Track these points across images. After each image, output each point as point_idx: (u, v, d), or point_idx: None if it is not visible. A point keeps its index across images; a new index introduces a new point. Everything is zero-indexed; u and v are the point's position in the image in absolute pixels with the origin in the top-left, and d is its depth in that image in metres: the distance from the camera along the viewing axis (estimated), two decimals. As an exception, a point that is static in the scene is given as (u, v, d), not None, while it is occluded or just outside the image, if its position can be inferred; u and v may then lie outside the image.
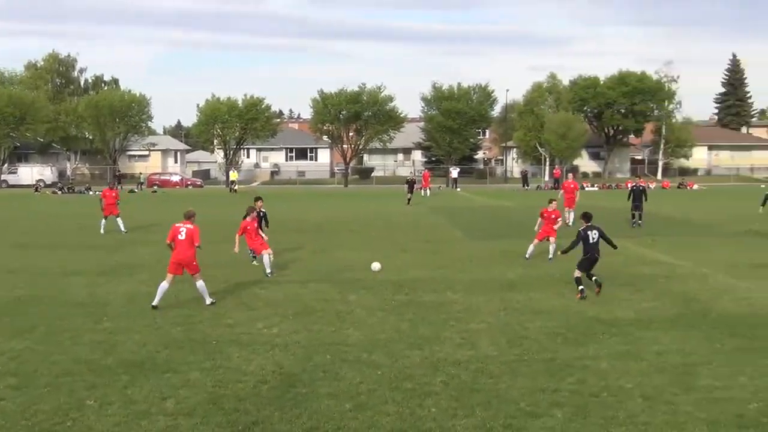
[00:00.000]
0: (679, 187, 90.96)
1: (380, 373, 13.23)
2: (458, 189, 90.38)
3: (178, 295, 20.07)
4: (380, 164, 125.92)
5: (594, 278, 20.26)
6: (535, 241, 27.08)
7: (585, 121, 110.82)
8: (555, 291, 20.85)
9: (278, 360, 14.11)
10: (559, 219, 27.83)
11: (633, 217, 37.89)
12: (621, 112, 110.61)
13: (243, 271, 24.38)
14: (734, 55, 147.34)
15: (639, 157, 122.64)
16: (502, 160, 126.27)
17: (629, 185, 38.53)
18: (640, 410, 11.31)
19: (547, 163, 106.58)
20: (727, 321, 17.13)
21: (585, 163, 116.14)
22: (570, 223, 37.72)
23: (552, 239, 26.74)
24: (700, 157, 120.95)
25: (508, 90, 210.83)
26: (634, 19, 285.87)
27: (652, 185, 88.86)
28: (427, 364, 13.71)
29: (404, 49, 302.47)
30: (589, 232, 20.22)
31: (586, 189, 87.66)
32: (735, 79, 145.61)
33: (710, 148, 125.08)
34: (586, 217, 20.81)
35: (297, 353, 14.60)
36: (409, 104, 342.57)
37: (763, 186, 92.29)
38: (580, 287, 19.81)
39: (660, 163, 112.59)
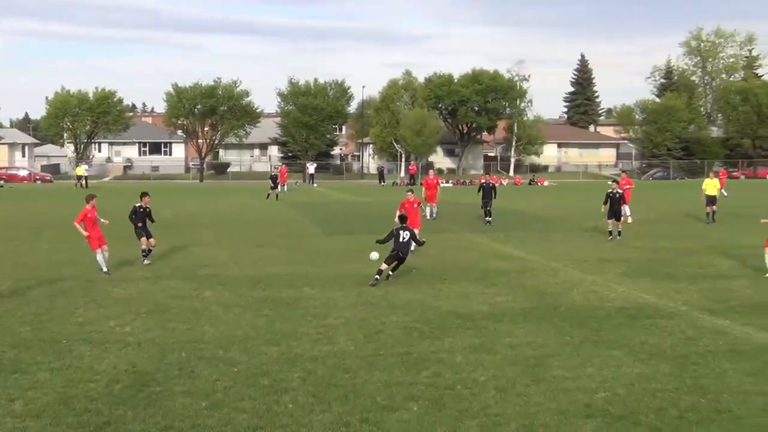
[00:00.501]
0: (530, 184, 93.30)
1: (236, 370, 13.09)
2: (315, 185, 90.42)
3: (26, 293, 19.42)
4: (236, 159, 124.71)
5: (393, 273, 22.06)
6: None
7: (440, 118, 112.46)
8: (411, 286, 21.06)
9: (131, 359, 13.79)
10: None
11: (486, 214, 38.48)
12: (475, 109, 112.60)
13: (94, 267, 23.73)
14: (583, 56, 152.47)
15: (492, 154, 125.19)
16: (358, 156, 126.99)
17: (481, 181, 39.11)
18: (493, 402, 11.51)
19: (403, 159, 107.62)
20: (576, 314, 17.63)
21: (440, 159, 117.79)
22: (430, 217, 38.30)
23: (416, 231, 26.99)
24: (550, 154, 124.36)
25: (364, 86, 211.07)
26: (487, 18, 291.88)
27: (505, 181, 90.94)
28: (284, 359, 13.64)
29: (261, 44, 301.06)
30: (400, 232, 21.94)
31: (442, 185, 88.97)
32: (584, 79, 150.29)
33: (560, 145, 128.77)
34: (401, 219, 22.98)
35: (151, 351, 14.30)
36: (266, 99, 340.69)
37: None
38: (377, 277, 21.28)
39: (512, 160, 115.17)
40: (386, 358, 13.88)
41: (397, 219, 23.30)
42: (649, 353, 14.16)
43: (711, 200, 38.60)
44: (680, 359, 13.72)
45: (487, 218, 37.82)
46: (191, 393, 11.86)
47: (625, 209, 38.10)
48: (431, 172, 44.70)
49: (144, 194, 25.53)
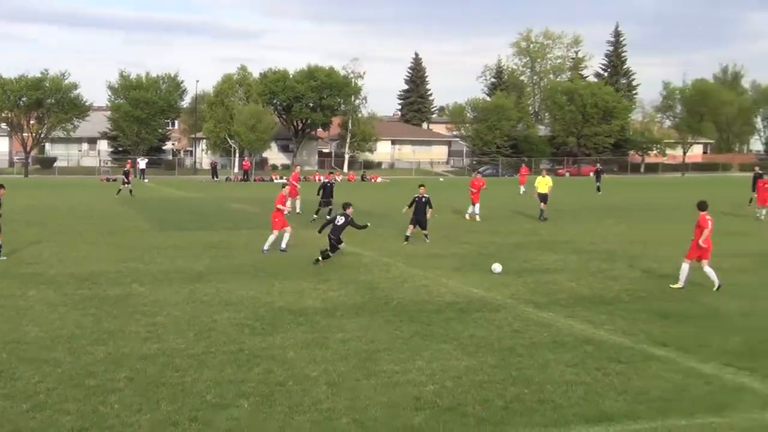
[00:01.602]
0: (363, 180, 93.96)
1: (60, 370, 12.67)
2: (146, 180, 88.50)
3: None
4: (63, 154, 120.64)
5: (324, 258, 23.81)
6: (275, 232, 26.85)
7: (274, 113, 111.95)
8: (244, 282, 20.88)
9: (-53, 361, 13.17)
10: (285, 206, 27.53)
11: (327, 212, 38.30)
12: (310, 106, 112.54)
13: None
14: (417, 54, 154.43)
15: (327, 150, 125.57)
16: (191, 151, 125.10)
17: (322, 179, 39.17)
18: (324, 397, 11.55)
19: (237, 155, 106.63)
20: (407, 308, 17.88)
21: (274, 155, 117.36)
22: (299, 211, 38.55)
23: (288, 229, 26.77)
24: (384, 151, 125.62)
25: (198, 81, 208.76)
26: (323, 15, 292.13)
27: (339, 178, 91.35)
28: (111, 359, 13.30)
29: (88, 36, 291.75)
30: (338, 217, 24.77)
31: (275, 181, 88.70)
32: (417, 77, 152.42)
33: (394, 142, 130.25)
34: (344, 205, 25.36)
35: (-32, 353, 13.69)
36: (96, 93, 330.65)
37: (441, 179, 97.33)
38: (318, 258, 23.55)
39: (346, 157, 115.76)
40: (217, 355, 13.72)
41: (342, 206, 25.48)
42: (476, 346, 14.50)
43: (543, 198, 39.75)
44: (506, 351, 14.10)
45: (314, 216, 37.74)
46: (11, 396, 11.41)
47: (476, 208, 38.91)
48: (298, 168, 44.99)
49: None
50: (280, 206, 27.00)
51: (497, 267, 22.69)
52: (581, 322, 16.49)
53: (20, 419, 10.50)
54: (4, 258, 24.23)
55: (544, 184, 40.04)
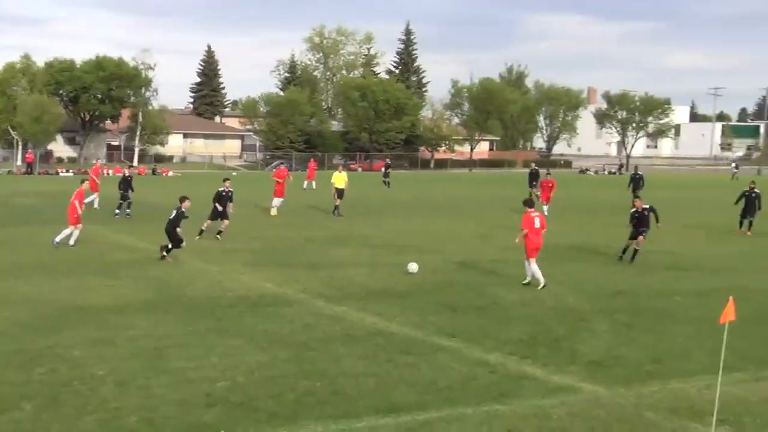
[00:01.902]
0: (153, 174, 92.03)
1: None
2: None
3: None
4: None
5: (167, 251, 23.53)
6: (71, 226, 26.01)
7: (61, 104, 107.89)
8: (27, 279, 20.15)
9: None
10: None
11: (123, 207, 37.17)
12: (98, 97, 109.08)
13: None
14: (209, 47, 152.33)
15: (116, 143, 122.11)
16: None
17: (120, 172, 38.07)
18: (112, 396, 11.31)
19: (20, 147, 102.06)
20: (199, 304, 17.72)
21: (60, 147, 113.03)
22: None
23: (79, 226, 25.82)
24: (176, 144, 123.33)
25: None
26: (113, 4, 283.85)
27: (128, 171, 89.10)
28: None
29: None
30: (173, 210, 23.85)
31: (61, 175, 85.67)
32: (210, 70, 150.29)
33: (185, 136, 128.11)
34: (180, 199, 24.38)
35: None
36: None
37: (234, 174, 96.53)
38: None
39: (137, 150, 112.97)
40: (-2, 356, 13.17)
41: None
42: (269, 341, 14.54)
43: (340, 193, 39.58)
44: (299, 346, 14.20)
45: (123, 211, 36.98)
46: None
47: (277, 201, 38.71)
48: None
49: None
50: (77, 202, 26.07)
51: (413, 266, 22.05)
52: (373, 316, 16.78)
53: None
54: None
55: (340, 179, 39.96)
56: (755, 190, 33.65)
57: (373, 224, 35.30)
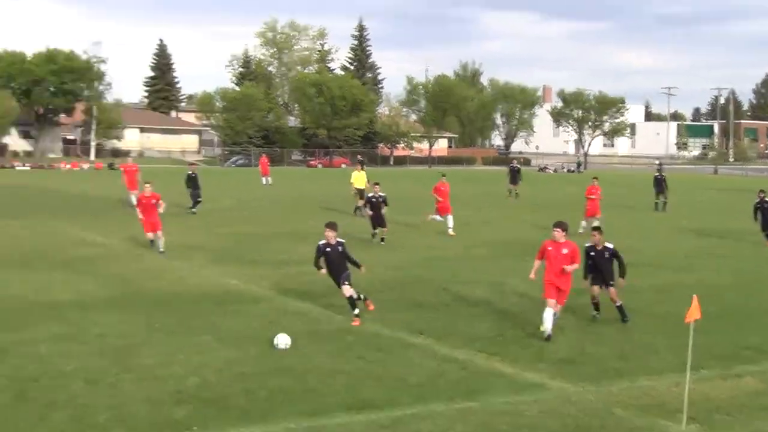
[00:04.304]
0: (111, 168, 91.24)
1: None
2: None
3: None
4: None
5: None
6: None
7: (13, 97, 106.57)
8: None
9: None
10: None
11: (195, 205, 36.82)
12: (51, 90, 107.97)
13: None
14: (161, 40, 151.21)
15: (72, 137, 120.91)
16: None
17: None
18: (81, 392, 11.22)
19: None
20: (164, 300, 17.60)
21: (15, 141, 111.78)
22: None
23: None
24: (132, 139, 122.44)
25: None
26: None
27: (86, 166, 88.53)
28: None
29: None
30: None
31: (17, 168, 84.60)
32: (163, 64, 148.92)
33: (142, 130, 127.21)
34: None
35: None
36: None
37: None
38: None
39: (93, 144, 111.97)
40: (-40, 353, 13.00)
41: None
42: (237, 337, 14.46)
43: (360, 193, 36.99)
44: (267, 342, 14.11)
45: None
46: None
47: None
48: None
49: None
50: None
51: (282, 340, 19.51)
52: (340, 313, 16.70)
53: None
54: None
55: (360, 179, 37.84)
56: (766, 199, 29.84)
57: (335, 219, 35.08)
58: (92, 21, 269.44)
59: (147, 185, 25.34)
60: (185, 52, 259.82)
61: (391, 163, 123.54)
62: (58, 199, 38.14)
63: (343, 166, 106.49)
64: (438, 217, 30.80)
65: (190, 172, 37.42)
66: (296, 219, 35.53)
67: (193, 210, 35.97)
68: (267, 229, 31.07)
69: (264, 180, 61.91)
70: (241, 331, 15.01)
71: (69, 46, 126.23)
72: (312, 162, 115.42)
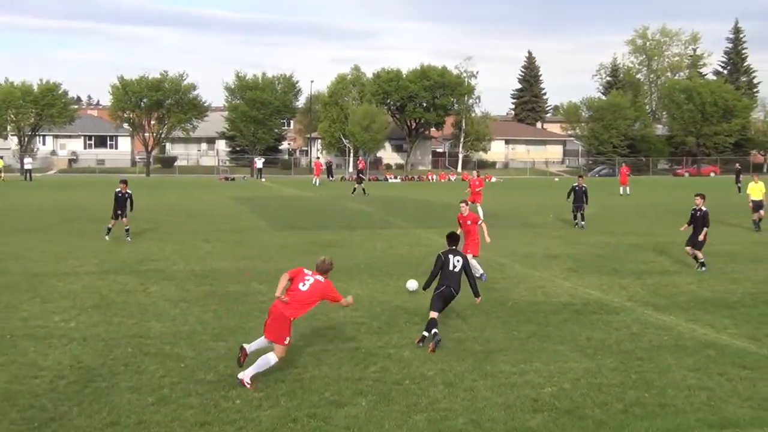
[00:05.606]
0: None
1: (183, 365, 13.00)
2: (263, 179, 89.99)
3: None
4: (183, 153, 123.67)
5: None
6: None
7: (388, 113, 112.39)
8: (360, 281, 21.02)
9: (76, 354, 13.63)
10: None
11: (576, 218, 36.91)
12: (423, 105, 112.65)
13: (40, 261, 23.41)
14: (530, 53, 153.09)
15: (440, 150, 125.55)
16: (306, 150, 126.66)
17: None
18: (441, 396, 11.56)
19: (351, 155, 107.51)
20: (522, 309, 17.74)
21: (388, 155, 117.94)
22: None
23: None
24: (498, 150, 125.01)
25: (312, 81, 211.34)
26: (436, 15, 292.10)
27: (453, 177, 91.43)
28: (232, 355, 13.48)
29: (206, 37, 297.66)
30: (450, 257, 15.12)
31: (390, 180, 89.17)
32: (531, 76, 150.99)
33: (507, 142, 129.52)
34: (451, 239, 15.71)
35: (96, 346, 14.14)
36: (213, 93, 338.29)
37: (556, 179, 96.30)
38: (424, 334, 14.58)
39: (460, 156, 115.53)
40: (334, 353, 13.86)
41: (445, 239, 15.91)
42: (594, 348, 14.30)
43: (756, 206, 35.32)
44: (625, 354, 13.87)
45: (577, 222, 35.61)
46: (137, 389, 11.76)
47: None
48: (475, 173, 41.10)
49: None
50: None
51: (412, 284, 19.61)
52: (703, 326, 16.09)
53: (145, 412, 10.81)
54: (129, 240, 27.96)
55: (757, 190, 35.66)
56: None
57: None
58: (463, 38, 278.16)
59: (462, 204, 22.13)
60: (551, 64, 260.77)
61: (765, 170, 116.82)
62: (421, 207, 39.70)
63: (712, 174, 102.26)
64: None
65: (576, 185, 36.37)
66: (657, 229, 34.54)
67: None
68: (628, 239, 30.45)
69: (621, 189, 61.45)
70: (599, 341, 14.81)
71: (442, 63, 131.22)
72: (678, 171, 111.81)
